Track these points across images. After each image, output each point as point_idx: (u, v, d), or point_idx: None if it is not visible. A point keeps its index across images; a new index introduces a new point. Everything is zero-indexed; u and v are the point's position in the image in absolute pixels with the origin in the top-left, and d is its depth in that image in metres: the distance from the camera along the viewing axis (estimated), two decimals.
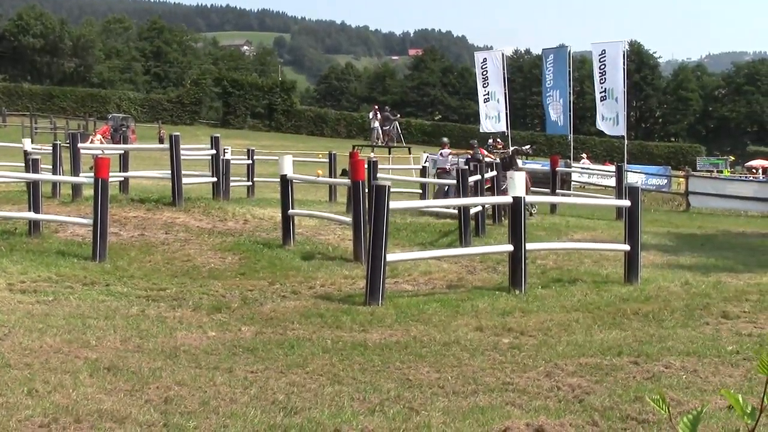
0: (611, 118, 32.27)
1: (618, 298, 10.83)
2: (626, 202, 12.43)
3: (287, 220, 14.72)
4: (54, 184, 20.25)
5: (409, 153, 43.82)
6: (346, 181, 17.46)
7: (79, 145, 21.21)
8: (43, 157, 18.41)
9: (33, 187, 14.90)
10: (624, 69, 32.13)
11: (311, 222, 16.88)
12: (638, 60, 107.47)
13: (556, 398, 6.53)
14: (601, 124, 32.84)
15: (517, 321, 9.35)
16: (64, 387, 6.47)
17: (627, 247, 12.25)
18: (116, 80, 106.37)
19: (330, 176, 25.45)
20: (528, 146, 33.19)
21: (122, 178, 21.15)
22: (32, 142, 26.39)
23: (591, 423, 5.92)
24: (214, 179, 20.16)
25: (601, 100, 32.43)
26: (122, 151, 22.46)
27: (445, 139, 27.70)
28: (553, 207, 23.08)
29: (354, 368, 7.31)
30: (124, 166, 21.87)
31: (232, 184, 22.78)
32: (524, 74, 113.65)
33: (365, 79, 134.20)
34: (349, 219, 14.20)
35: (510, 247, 11.36)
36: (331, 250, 14.29)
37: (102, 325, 8.67)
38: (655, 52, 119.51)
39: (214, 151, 20.19)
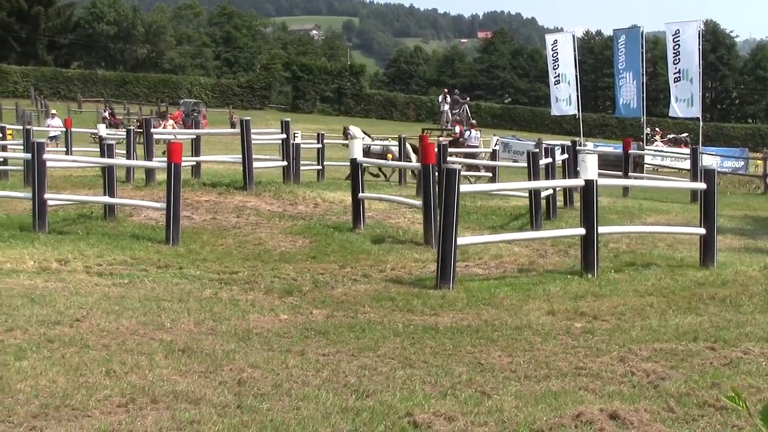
0: (685, 99, 31.65)
1: (693, 282, 10.64)
2: (702, 185, 12.18)
3: (357, 204, 14.75)
4: (128, 169, 20.62)
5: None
6: (416, 164, 17.44)
7: (152, 130, 21.56)
8: (117, 142, 18.71)
9: (108, 172, 15.18)
10: (699, 49, 31.45)
11: (381, 205, 16.90)
12: (714, 39, 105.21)
13: (630, 384, 6.45)
14: (674, 106, 32.22)
15: (589, 305, 9.25)
16: (140, 368, 6.60)
17: (702, 231, 12.01)
18: (187, 66, 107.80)
19: (400, 159, 25.43)
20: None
21: (194, 163, 21.45)
22: (106, 128, 26.86)
23: (667, 409, 5.83)
24: (285, 163, 20.32)
25: (675, 82, 31.81)
26: (194, 136, 22.73)
27: (474, 121, 28.75)
28: (626, 190, 22.76)
29: (425, 352, 7.31)
30: (195, 150, 22.15)
31: (302, 168, 22.94)
32: (595, 56, 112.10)
33: (434, 63, 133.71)
34: (419, 202, 14.18)
35: (582, 231, 11.23)
36: (402, 233, 14.29)
37: (176, 307, 8.81)
38: (731, 31, 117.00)
39: (284, 136, 20.35)
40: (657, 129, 32.64)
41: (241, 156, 18.94)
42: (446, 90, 48.25)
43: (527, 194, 15.87)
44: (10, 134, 27.84)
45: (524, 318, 8.58)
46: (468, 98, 51.31)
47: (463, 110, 45.42)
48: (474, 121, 36.21)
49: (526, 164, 16.80)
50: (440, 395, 6.12)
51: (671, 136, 24.50)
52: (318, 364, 6.89)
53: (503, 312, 8.88)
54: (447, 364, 6.95)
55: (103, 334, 7.63)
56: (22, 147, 22.72)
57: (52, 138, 33.00)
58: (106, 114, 47.94)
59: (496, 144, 27.97)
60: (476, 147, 31.32)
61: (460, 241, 10.66)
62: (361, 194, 14.78)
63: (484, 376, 6.62)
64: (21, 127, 28.45)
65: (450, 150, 23.37)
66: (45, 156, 14.00)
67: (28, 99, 68.91)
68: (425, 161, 13.70)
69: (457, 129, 33.13)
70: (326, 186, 21.21)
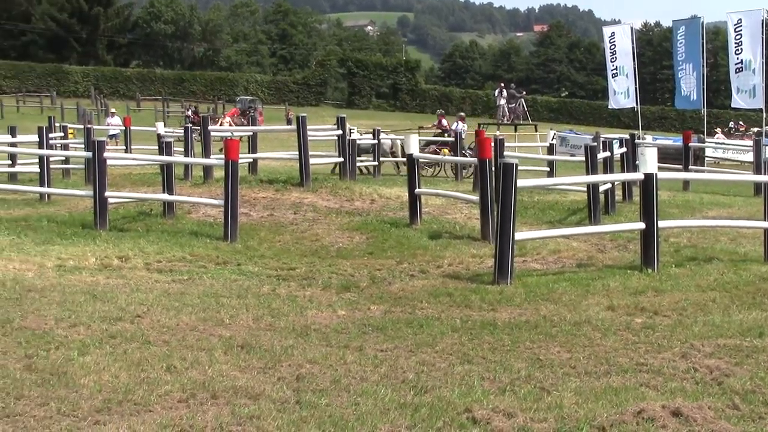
0: (747, 90, 31.06)
1: (758, 277, 10.45)
2: (765, 178, 11.94)
3: (414, 199, 14.74)
4: (186, 166, 20.85)
5: (536, 130, 43.30)
6: (473, 159, 17.37)
7: (209, 127, 21.77)
8: (175, 140, 18.92)
9: (166, 169, 15.34)
10: (762, 38, 30.82)
11: (438, 201, 16.87)
12: None
13: (693, 380, 6.36)
14: (736, 97, 31.64)
15: (650, 300, 9.13)
16: (200, 364, 6.67)
17: (767, 225, 11.79)
18: (243, 63, 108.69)
19: (456, 155, 25.36)
20: None
21: (251, 160, 21.59)
22: (165, 125, 27.19)
23: (731, 406, 5.74)
24: (341, 159, 20.37)
25: (736, 72, 31.23)
26: (251, 133, 22.90)
27: (462, 114, 29.27)
28: (686, 184, 22.42)
29: (483, 347, 7.28)
30: (252, 147, 22.31)
31: (358, 163, 22.98)
32: (654, 47, 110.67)
33: (490, 57, 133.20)
34: (476, 198, 14.12)
35: (642, 225, 11.09)
36: (459, 229, 14.25)
37: (235, 303, 8.88)
38: None
39: (340, 132, 20.39)
40: (741, 123, 31.84)
41: (297, 152, 19.03)
42: (502, 84, 48.00)
43: (585, 189, 15.72)
44: (72, 133, 28.30)
45: (583, 313, 8.50)
46: (524, 92, 50.91)
47: (519, 104, 45.14)
48: (462, 114, 35.98)
49: (583, 158, 16.64)
50: (499, 391, 6.10)
51: (756, 129, 24.15)
52: (376, 359, 6.90)
53: (562, 307, 8.81)
54: (505, 359, 6.92)
55: (164, 330, 7.73)
56: (83, 146, 23.12)
57: (111, 136, 33.53)
58: (189, 112, 48.28)
59: (553, 138, 27.73)
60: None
61: (518, 236, 10.60)
62: (417, 190, 14.76)
63: (543, 371, 6.58)
64: (82, 126, 28.96)
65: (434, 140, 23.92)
66: (105, 154, 14.21)
67: (88, 98, 70.15)
68: (482, 156, 13.64)
69: (444, 122, 32.94)
70: (382, 182, 21.24)
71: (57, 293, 9.11)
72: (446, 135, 29.97)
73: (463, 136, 29.54)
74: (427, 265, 11.32)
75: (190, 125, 24.39)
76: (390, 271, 11.00)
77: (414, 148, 15.03)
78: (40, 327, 7.69)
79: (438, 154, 26.27)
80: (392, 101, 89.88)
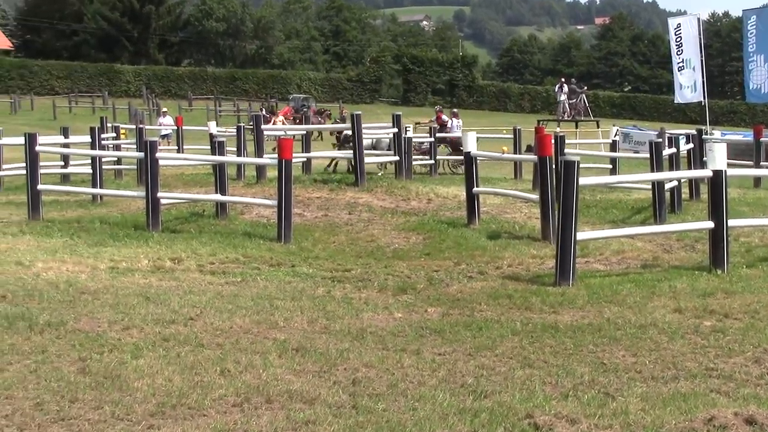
0: None
1: None
2: None
3: (472, 199, 14.69)
4: (239, 166, 21.04)
5: (598, 127, 42.92)
6: (533, 157, 17.26)
7: (263, 126, 21.94)
8: (227, 139, 19.10)
9: (219, 169, 15.47)
10: None
11: (496, 200, 16.80)
12: None
13: (767, 386, 6.24)
14: None
15: (719, 303, 8.98)
16: (254, 367, 6.72)
17: None
18: (296, 61, 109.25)
19: (515, 152, 25.23)
20: None
21: (305, 159, 21.72)
22: (217, 124, 27.47)
23: None
24: (397, 158, 20.39)
25: None
26: (304, 132, 23.03)
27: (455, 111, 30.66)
28: (758, 180, 21.99)
29: (545, 351, 7.24)
30: (306, 146, 22.44)
31: (414, 162, 22.97)
32: (722, 39, 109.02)
33: (549, 51, 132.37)
34: (536, 196, 14.03)
35: (710, 224, 10.92)
36: (518, 228, 14.18)
37: (289, 306, 8.94)
38: None
39: (395, 130, 20.41)
40: None
41: (351, 151, 19.08)
42: (563, 79, 47.64)
43: (650, 186, 15.53)
44: (124, 134, 28.72)
45: (649, 316, 8.40)
46: (585, 87, 50.50)
47: (580, 100, 44.76)
48: (456, 110, 35.71)
49: (648, 155, 16.43)
50: (561, 396, 6.05)
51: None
52: (434, 363, 6.89)
53: (626, 309, 8.72)
54: (568, 363, 6.87)
55: (217, 332, 7.81)
56: (134, 146, 23.43)
57: (163, 136, 33.91)
58: (264, 112, 48.54)
59: (615, 135, 27.45)
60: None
61: (580, 236, 10.51)
62: (475, 189, 14.71)
63: (608, 376, 6.52)
64: (134, 127, 29.34)
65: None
66: (157, 154, 14.38)
67: (140, 98, 71.09)
68: (542, 153, 13.55)
69: (445, 117, 32.80)
70: (439, 181, 21.21)
71: (110, 295, 9.25)
72: (447, 131, 29.95)
73: (459, 134, 29.45)
74: (486, 266, 11.28)
75: (242, 125, 24.55)
76: (447, 272, 10.98)
77: (472, 146, 14.97)
78: (94, 329, 7.82)
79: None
80: (449, 98, 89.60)
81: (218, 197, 15.25)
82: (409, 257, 12.09)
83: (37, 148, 15.33)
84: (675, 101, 38.03)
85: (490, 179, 21.93)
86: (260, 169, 20.08)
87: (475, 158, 15.09)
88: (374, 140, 23.50)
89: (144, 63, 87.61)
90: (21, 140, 15.91)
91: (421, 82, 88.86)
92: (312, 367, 6.77)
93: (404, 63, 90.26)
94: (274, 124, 36.48)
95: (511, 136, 26.69)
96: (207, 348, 7.28)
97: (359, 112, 19.80)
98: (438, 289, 9.98)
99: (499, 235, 13.52)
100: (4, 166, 21.81)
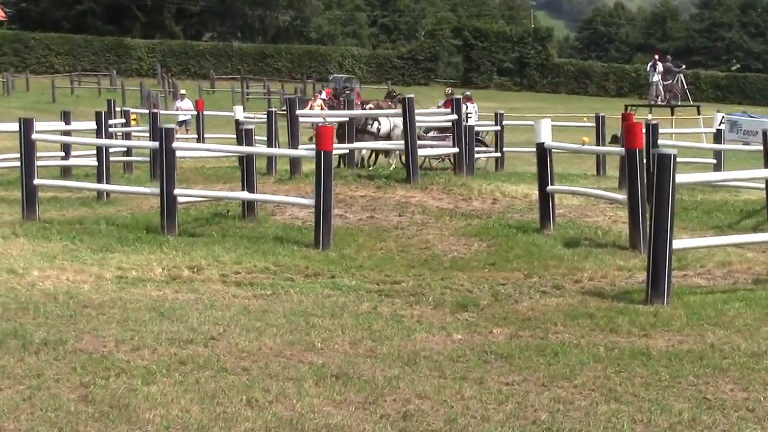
0: None
1: None
2: None
3: (546, 199, 14.62)
4: (269, 159, 21.11)
5: (698, 113, 42.51)
6: (619, 149, 17.14)
7: (298, 112, 22.01)
8: (256, 127, 19.17)
9: (246, 162, 15.53)
10: None
11: (575, 200, 16.72)
12: None
13: None
14: None
15: None
16: (286, 396, 6.74)
17: None
18: (337, 34, 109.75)
19: (597, 144, 25.08)
20: None
21: (347, 151, 21.74)
22: (244, 109, 27.61)
23: None
24: (456, 150, 20.35)
25: None
26: (347, 119, 23.06)
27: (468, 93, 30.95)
28: None
29: (634, 382, 7.18)
30: (348, 135, 22.46)
31: (476, 155, 22.91)
32: None
33: (640, 23, 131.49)
34: (622, 197, 13.93)
35: None
36: (601, 234, 14.09)
37: (328, 324, 8.95)
38: None
39: (455, 116, 20.37)
40: None
41: (402, 141, 19.07)
42: (656, 56, 47.26)
43: (763, 185, 15.35)
44: (134, 119, 29.03)
45: (763, 342, 8.31)
46: (683, 66, 50.02)
47: (677, 81, 44.36)
48: (469, 93, 35.52)
49: (761, 147, 16.25)
50: None
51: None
52: (500, 395, 6.87)
53: (735, 334, 8.62)
54: (663, 398, 6.81)
55: (243, 355, 7.83)
56: (147, 134, 23.64)
57: (181, 123, 34.24)
58: (324, 95, 48.66)
59: (721, 123, 27.15)
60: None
61: (677, 244, 10.41)
62: (550, 187, 14.63)
63: (712, 415, 6.46)
64: (146, 111, 29.63)
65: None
66: (174, 144, 14.47)
67: (153, 78, 71.91)
68: (630, 145, 13.43)
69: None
70: (506, 177, 21.14)
71: (117, 310, 9.32)
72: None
73: (476, 119, 29.31)
74: (563, 280, 11.22)
75: (273, 110, 24.64)
76: (516, 286, 10.94)
77: (546, 136, 14.89)
78: (98, 350, 7.88)
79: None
80: (517, 78, 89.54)
81: (245, 195, 15.31)
82: (471, 268, 12.05)
83: (34, 136, 15.48)
84: None
85: (568, 176, 21.83)
86: (295, 163, 20.14)
87: (550, 150, 15.00)
88: (392, 126, 23.34)
89: (158, 36, 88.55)
90: (14, 127, 16.08)
91: (485, 59, 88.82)
92: (355, 398, 6.77)
93: (465, 37, 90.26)
94: (310, 108, 36.63)
95: (593, 124, 26.55)
96: (231, 373, 7.30)
97: (411, 96, 19.78)
98: (505, 306, 9.94)
99: (579, 243, 13.45)
100: None
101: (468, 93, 36.14)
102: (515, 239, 13.77)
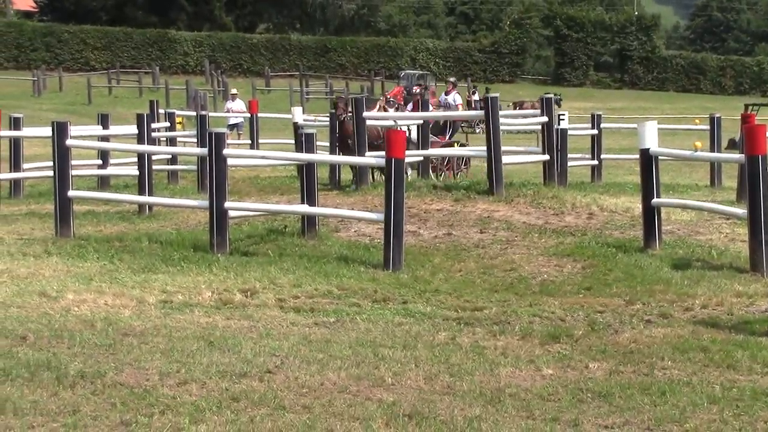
0: None
1: None
2: None
3: (650, 213, 14.54)
4: (332, 167, 21.20)
5: None
6: (738, 156, 17.00)
7: (364, 114, 22.10)
8: (318, 131, 19.23)
9: (306, 171, 15.58)
10: None
11: (685, 215, 16.59)
12: None
13: None
14: None
15: None
16: None
17: None
18: (410, 25, 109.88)
19: (712, 150, 24.85)
20: None
21: (420, 158, 21.76)
22: (303, 111, 27.78)
23: None
24: (546, 157, 20.29)
25: None
26: (420, 121, 23.08)
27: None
28: None
29: (757, 427, 7.12)
30: (422, 141, 22.48)
31: (570, 163, 22.83)
32: None
33: (763, 8, 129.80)
34: (742, 211, 13.81)
35: None
36: (716, 255, 13.97)
37: (400, 356, 8.97)
38: None
39: (545, 119, 20.32)
40: None
41: (485, 147, 19.07)
42: None
43: None
44: (181, 123, 29.31)
45: None
46: None
47: None
48: (453, 79, 35.53)
49: None
50: None
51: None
52: None
53: None
54: None
55: (303, 391, 7.88)
56: (194, 140, 23.84)
57: (232, 127, 34.45)
58: (476, 96, 48.38)
59: None
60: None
61: None
62: (655, 200, 14.56)
63: None
64: (193, 113, 29.88)
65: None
66: (225, 151, 14.58)
67: (201, 75, 72.50)
68: (751, 151, 13.31)
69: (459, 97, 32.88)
70: (605, 188, 21.03)
71: (161, 338, 9.43)
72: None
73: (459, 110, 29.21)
74: (671, 307, 11.14)
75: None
76: (616, 314, 10.88)
77: (652, 141, 14.81)
78: (140, 384, 7.97)
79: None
80: (618, 74, 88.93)
81: (305, 209, 15.38)
82: (563, 293, 12.02)
83: (68, 141, 15.67)
84: None
85: (677, 187, 21.65)
86: (361, 172, 20.20)
87: (656, 157, 14.92)
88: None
89: (207, 29, 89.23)
90: (47, 131, 16.33)
91: (580, 53, 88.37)
92: None
93: (557, 27, 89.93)
94: (380, 109, 36.72)
95: (707, 127, 26.31)
96: (290, 411, 7.35)
97: (495, 94, 19.79)
98: (603, 337, 9.89)
99: (689, 264, 13.34)
100: (25, 166, 22.27)
101: (453, 79, 36.21)
102: (615, 260, 13.70)
